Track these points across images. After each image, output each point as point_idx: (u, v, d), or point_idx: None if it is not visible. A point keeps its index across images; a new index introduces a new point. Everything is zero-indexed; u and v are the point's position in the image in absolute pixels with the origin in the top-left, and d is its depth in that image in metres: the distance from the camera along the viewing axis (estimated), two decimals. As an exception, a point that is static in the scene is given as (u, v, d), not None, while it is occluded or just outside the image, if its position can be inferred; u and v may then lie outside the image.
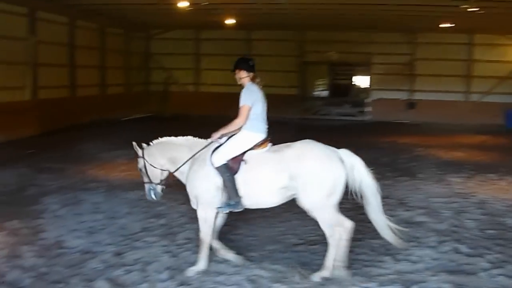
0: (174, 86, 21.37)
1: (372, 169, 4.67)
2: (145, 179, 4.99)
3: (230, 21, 17.72)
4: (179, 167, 4.88)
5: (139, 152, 4.98)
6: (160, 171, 4.94)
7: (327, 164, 4.56)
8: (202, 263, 4.66)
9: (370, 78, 21.17)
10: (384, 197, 7.31)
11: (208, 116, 19.39)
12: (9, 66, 12.95)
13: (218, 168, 4.63)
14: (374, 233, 5.72)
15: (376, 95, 20.79)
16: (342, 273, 4.54)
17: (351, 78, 27.01)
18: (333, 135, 15.32)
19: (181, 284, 4.42)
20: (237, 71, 5.02)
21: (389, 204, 7.15)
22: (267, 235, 5.66)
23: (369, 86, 21.33)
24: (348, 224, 4.59)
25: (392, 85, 20.43)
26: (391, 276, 4.64)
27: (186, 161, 4.85)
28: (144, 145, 4.99)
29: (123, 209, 6.64)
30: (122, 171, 9.14)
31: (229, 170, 4.64)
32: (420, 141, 14.15)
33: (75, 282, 4.40)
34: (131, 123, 17.44)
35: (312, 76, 22.51)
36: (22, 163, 9.60)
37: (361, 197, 4.68)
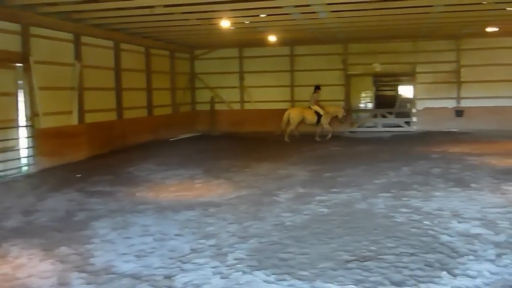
0: (220, 105, 21.64)
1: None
2: None
3: (272, 38, 17.90)
4: None
5: None
6: None
7: None
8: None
9: (416, 87, 20.73)
10: (437, 209, 7.32)
11: (254, 133, 19.67)
12: (57, 92, 13.33)
13: None
14: (428, 247, 5.61)
15: (422, 105, 20.38)
16: None
17: (396, 88, 26.71)
18: (383, 147, 15.27)
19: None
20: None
21: (442, 216, 6.98)
22: (318, 253, 5.58)
23: (415, 96, 20.90)
24: None
25: (438, 93, 20.03)
26: (449, 293, 4.51)
27: None
28: None
29: (173, 230, 6.65)
30: (172, 192, 9.23)
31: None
32: (471, 150, 13.76)
33: (126, 308, 4.38)
34: (179, 143, 17.70)
35: (357, 88, 22.32)
36: (71, 187, 9.79)
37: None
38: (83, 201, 8.62)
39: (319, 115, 17.54)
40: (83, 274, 5.14)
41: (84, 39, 14.41)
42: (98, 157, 14.02)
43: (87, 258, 5.67)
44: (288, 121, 17.57)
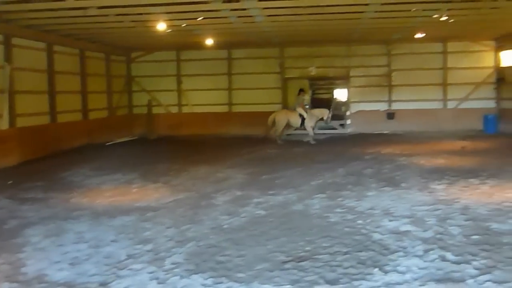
0: (157, 108, 21.41)
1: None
2: None
3: (209, 41, 17.89)
4: None
5: None
6: None
7: None
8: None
9: (349, 90, 21.33)
10: (369, 208, 7.58)
11: (192, 136, 19.59)
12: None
13: None
14: (361, 245, 5.81)
15: (356, 108, 20.97)
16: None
17: (332, 92, 27.31)
18: (318, 149, 15.59)
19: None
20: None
21: (374, 215, 7.24)
22: (255, 254, 5.65)
23: (348, 99, 21.48)
24: None
25: (371, 97, 20.72)
26: (380, 289, 4.70)
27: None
28: None
29: (108, 236, 6.54)
30: (107, 197, 9.06)
31: None
32: (402, 151, 14.29)
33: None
34: (115, 148, 17.38)
35: (293, 92, 22.61)
36: (2, 194, 9.42)
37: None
38: (14, 209, 8.32)
39: (303, 118, 17.68)
40: (14, 284, 4.99)
41: (15, 40, 13.92)
42: (31, 163, 13.56)
43: (18, 267, 5.50)
44: (273, 124, 17.70)
